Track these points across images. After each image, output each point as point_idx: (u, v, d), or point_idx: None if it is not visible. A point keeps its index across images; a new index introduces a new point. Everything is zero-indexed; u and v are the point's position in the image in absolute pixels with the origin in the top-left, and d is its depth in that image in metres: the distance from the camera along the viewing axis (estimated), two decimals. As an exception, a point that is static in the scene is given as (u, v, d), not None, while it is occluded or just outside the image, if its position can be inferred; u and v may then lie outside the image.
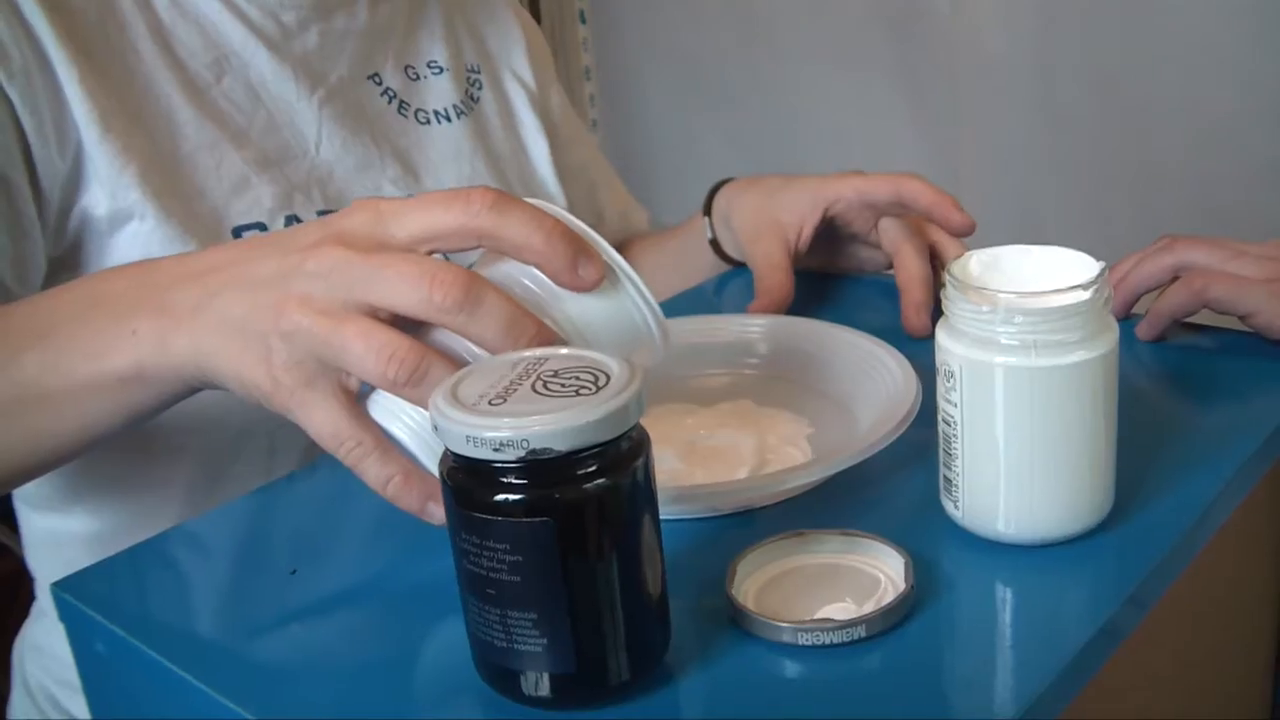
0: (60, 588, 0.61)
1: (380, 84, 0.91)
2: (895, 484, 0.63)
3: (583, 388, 0.47)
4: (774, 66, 2.19)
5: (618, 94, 2.39)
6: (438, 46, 0.96)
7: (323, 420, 0.55)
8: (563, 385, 0.47)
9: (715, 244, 0.96)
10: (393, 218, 0.55)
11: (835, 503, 0.61)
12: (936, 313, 0.59)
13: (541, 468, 0.45)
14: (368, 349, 0.53)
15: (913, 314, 0.81)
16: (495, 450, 0.44)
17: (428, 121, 0.93)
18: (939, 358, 0.56)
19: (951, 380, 0.55)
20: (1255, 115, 1.74)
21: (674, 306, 0.89)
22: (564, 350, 0.50)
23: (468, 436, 0.45)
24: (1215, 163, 1.78)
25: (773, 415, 0.70)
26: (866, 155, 2.15)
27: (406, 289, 0.53)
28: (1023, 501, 0.56)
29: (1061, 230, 1.92)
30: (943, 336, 0.56)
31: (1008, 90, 1.97)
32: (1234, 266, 0.72)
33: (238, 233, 0.80)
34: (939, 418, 0.57)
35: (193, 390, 0.61)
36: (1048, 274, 0.56)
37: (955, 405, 0.55)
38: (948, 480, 0.57)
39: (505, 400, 0.46)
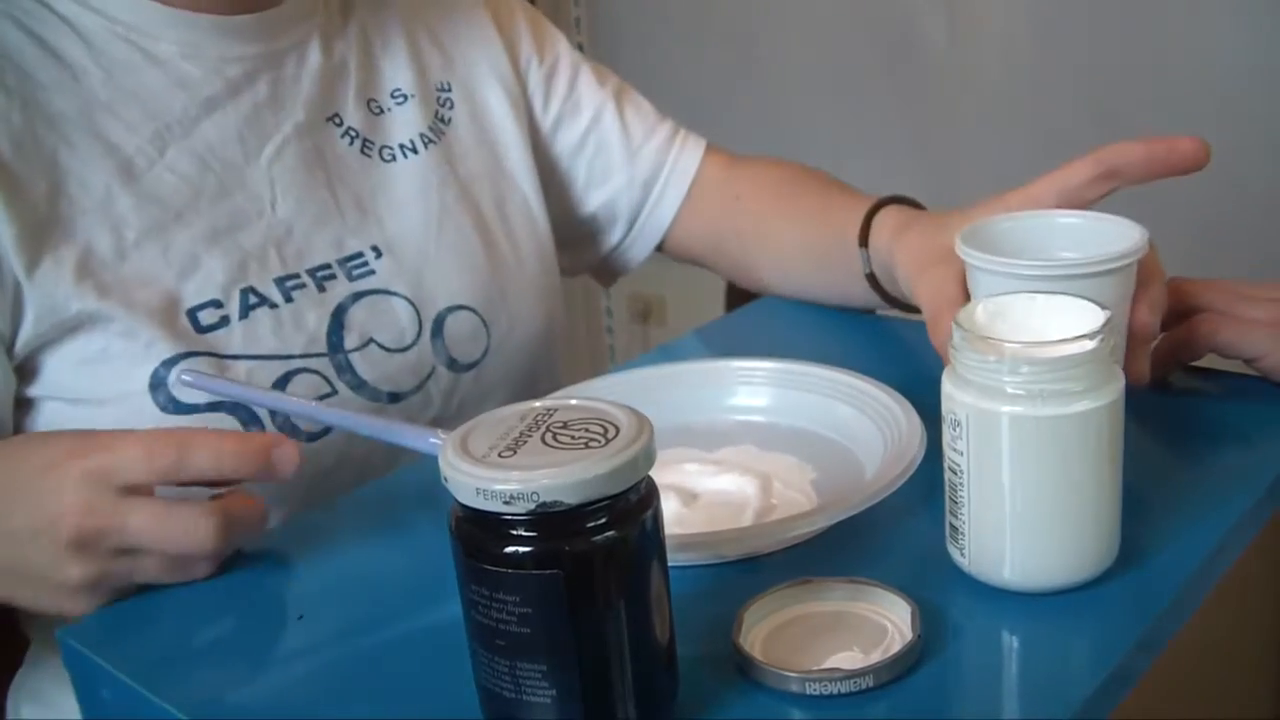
0: (66, 634, 0.61)
1: (341, 125, 0.88)
2: (901, 530, 0.63)
3: (592, 440, 0.47)
4: (771, 98, 2.20)
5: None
6: (401, 73, 0.92)
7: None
8: (572, 437, 0.47)
9: (873, 278, 0.88)
10: (111, 475, 0.62)
11: (841, 549, 0.61)
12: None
13: (551, 520, 0.45)
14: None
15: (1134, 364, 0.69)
16: (505, 503, 0.45)
17: (393, 158, 0.89)
18: (945, 406, 0.56)
19: (958, 429, 0.55)
20: (1256, 148, 1.74)
21: (681, 351, 0.89)
22: (573, 401, 0.50)
23: (477, 489, 0.45)
24: (1216, 194, 1.78)
25: (777, 460, 0.70)
26: (864, 186, 2.16)
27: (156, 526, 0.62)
28: (1029, 549, 0.56)
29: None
30: (949, 385, 0.56)
31: (1006, 122, 1.98)
32: (1240, 309, 0.72)
33: (193, 314, 0.77)
34: (945, 465, 0.57)
35: None
36: (1054, 322, 0.56)
37: (961, 454, 0.55)
38: (954, 528, 0.57)
39: (515, 452, 0.46)
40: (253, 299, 0.79)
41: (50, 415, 0.78)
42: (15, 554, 0.64)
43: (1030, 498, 0.55)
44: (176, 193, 0.80)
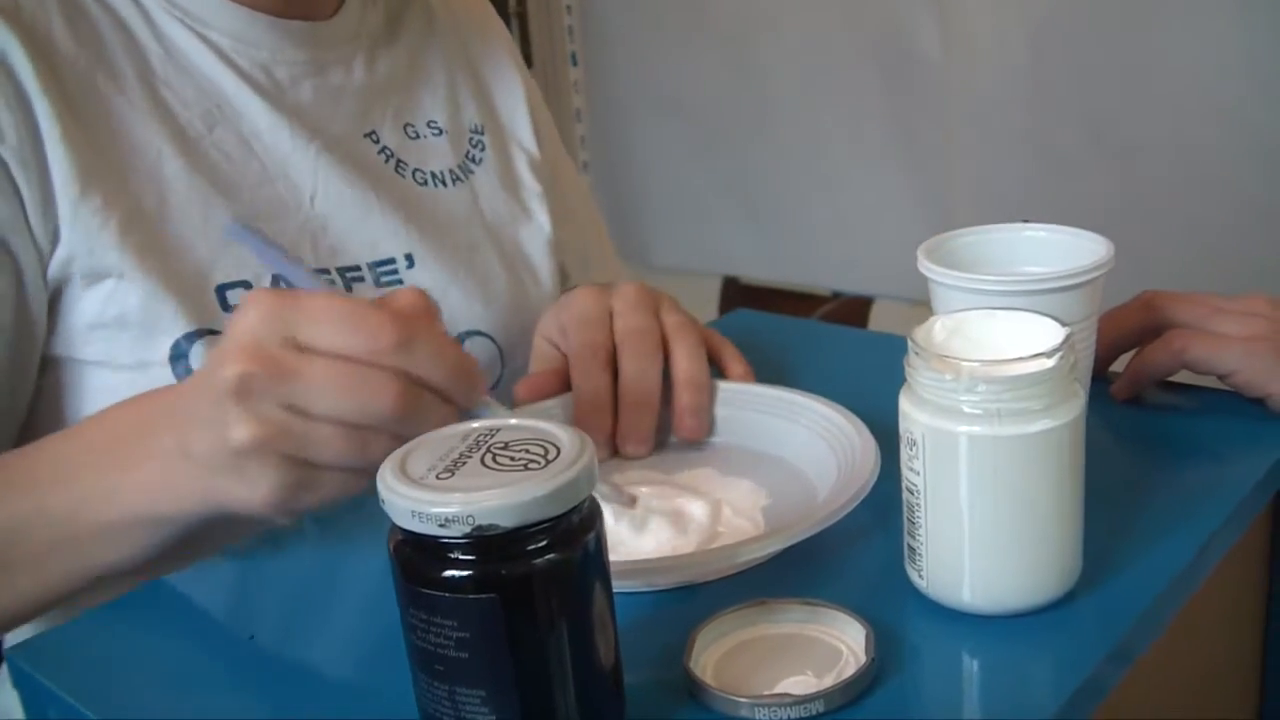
0: (15, 653, 0.60)
1: (378, 142, 0.89)
2: (859, 551, 0.62)
3: (531, 461, 0.46)
4: (765, 109, 2.20)
5: (608, 136, 2.39)
6: (439, 106, 0.94)
7: (331, 489, 0.59)
8: (512, 459, 0.46)
9: None
10: (301, 322, 0.57)
11: (797, 570, 0.60)
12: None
13: (488, 543, 0.44)
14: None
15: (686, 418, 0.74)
16: (441, 526, 0.44)
17: (425, 183, 0.90)
18: (902, 425, 0.55)
19: (914, 449, 0.54)
20: (1245, 157, 1.73)
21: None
22: (514, 421, 0.49)
23: (413, 511, 0.44)
24: (1205, 204, 1.78)
25: (733, 485, 0.69)
26: (858, 198, 2.16)
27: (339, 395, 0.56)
28: (988, 571, 0.55)
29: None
30: (906, 404, 0.55)
31: (999, 133, 1.97)
32: (1214, 324, 0.71)
33: (221, 291, 0.78)
34: (902, 486, 0.56)
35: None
36: (1012, 340, 0.55)
37: (918, 474, 0.54)
38: (912, 549, 0.56)
39: (453, 474, 0.46)
40: (282, 286, 0.80)
41: (67, 376, 0.78)
42: (186, 419, 0.60)
43: (989, 519, 0.54)
44: (221, 170, 0.81)
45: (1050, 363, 0.52)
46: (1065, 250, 0.67)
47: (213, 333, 0.76)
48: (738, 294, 2.39)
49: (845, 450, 0.67)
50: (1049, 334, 0.55)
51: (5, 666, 0.90)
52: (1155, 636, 0.58)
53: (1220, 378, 0.72)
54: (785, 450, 0.71)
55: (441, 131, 0.93)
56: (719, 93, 2.23)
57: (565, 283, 0.98)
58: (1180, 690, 0.68)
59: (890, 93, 2.06)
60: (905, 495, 0.56)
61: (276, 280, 0.80)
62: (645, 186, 2.37)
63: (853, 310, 2.30)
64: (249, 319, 0.57)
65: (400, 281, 0.85)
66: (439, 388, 0.58)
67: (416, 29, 0.95)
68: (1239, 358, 0.70)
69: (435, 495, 0.44)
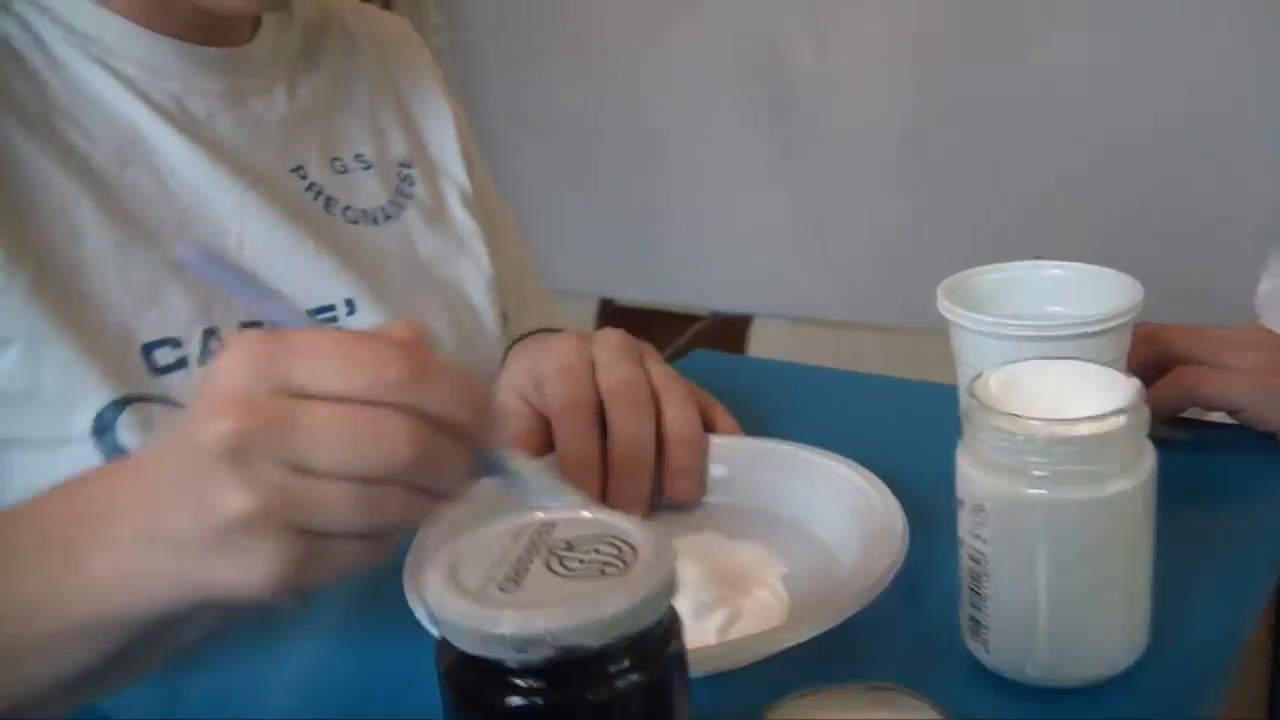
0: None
1: (305, 178, 0.81)
2: (903, 620, 0.57)
3: (607, 565, 0.40)
4: (638, 129, 2.16)
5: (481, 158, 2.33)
6: (365, 138, 0.87)
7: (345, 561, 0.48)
8: (581, 562, 0.40)
9: None
10: (294, 364, 0.47)
11: (836, 646, 0.55)
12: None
13: (570, 667, 0.38)
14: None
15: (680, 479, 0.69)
16: (518, 650, 0.38)
17: (356, 221, 0.83)
18: (962, 488, 0.51)
19: (981, 515, 0.50)
20: (1130, 166, 1.77)
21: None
22: (583, 514, 0.43)
23: (482, 635, 0.38)
24: (1087, 211, 1.80)
25: (743, 550, 0.64)
26: (734, 217, 2.14)
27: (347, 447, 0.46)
28: (1064, 642, 0.51)
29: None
30: (966, 465, 0.51)
31: (877, 149, 1.97)
32: (1223, 358, 0.69)
33: (148, 349, 0.70)
34: (963, 554, 0.52)
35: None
36: (1073, 393, 0.52)
37: (987, 542, 0.50)
38: (975, 621, 0.52)
39: (519, 584, 0.39)
40: (214, 343, 0.71)
41: None
42: (154, 494, 0.49)
43: (1064, 587, 0.50)
44: (137, 214, 0.72)
45: (1124, 420, 0.49)
46: (1084, 288, 0.64)
47: (141, 399, 0.68)
48: (614, 315, 2.35)
49: (860, 506, 0.62)
50: (1114, 386, 0.51)
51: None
52: (1226, 686, 0.55)
53: (1229, 413, 0.70)
54: (791, 508, 0.66)
55: (369, 165, 0.86)
56: (591, 113, 2.19)
57: (504, 324, 0.92)
58: None
59: (766, 111, 2.05)
60: (967, 564, 0.52)
61: (208, 335, 0.72)
62: (519, 208, 2.28)
63: (729, 329, 2.28)
64: (232, 367, 0.47)
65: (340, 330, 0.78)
66: (457, 424, 0.48)
67: (337, 54, 0.88)
68: (1249, 393, 0.68)
69: (503, 613, 0.38)
